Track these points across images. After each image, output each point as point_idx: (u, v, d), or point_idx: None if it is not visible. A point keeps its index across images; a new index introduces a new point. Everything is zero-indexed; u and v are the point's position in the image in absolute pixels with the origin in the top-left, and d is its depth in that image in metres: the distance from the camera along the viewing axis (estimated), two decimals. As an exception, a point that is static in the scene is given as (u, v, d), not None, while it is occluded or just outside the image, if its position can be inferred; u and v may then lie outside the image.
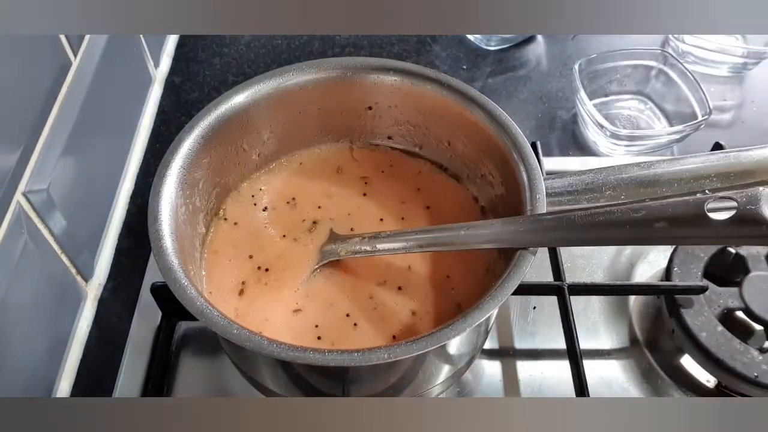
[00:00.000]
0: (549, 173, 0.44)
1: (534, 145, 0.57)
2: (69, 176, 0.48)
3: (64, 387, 0.47)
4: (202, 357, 0.50)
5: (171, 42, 0.73)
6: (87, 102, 0.50)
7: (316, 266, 0.44)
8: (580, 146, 0.65)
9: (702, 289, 0.49)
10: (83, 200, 0.51)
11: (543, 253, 0.53)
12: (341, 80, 0.46)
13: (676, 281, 0.50)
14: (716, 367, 0.47)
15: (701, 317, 0.48)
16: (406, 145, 0.50)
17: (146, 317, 0.51)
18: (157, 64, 0.69)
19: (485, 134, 0.44)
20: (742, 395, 0.47)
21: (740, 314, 0.49)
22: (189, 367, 0.49)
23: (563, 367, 0.48)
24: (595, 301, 0.53)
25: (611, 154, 0.64)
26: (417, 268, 0.44)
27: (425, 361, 0.39)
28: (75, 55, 0.49)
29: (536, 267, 0.52)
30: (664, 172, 0.40)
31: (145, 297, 0.51)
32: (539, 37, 0.75)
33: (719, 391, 0.49)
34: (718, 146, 0.59)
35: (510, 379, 0.49)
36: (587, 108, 0.62)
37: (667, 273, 0.51)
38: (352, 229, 0.46)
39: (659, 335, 0.52)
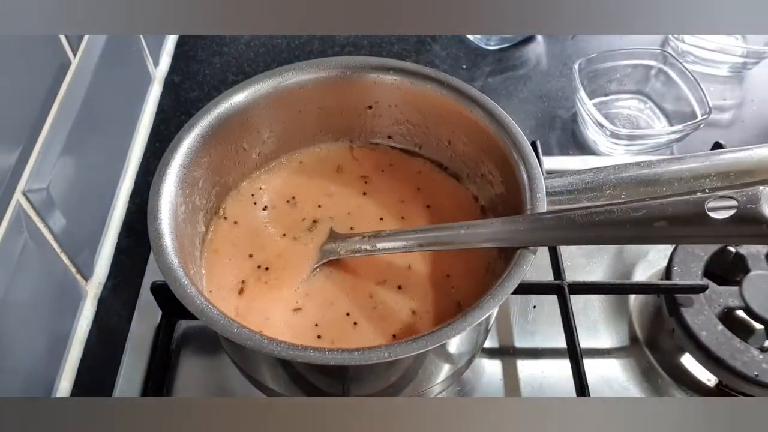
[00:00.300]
0: (549, 172, 0.44)
1: (534, 145, 0.57)
2: (69, 175, 0.48)
3: (64, 386, 0.47)
4: (203, 356, 0.50)
5: (171, 41, 0.73)
6: (86, 101, 0.50)
7: (316, 265, 0.44)
8: (579, 145, 0.65)
9: (702, 288, 0.49)
10: (83, 199, 0.51)
11: (543, 252, 0.53)
12: (341, 79, 0.46)
13: (677, 280, 0.50)
14: (716, 366, 0.47)
15: (701, 316, 0.48)
16: (406, 145, 0.50)
17: (146, 316, 0.51)
18: (156, 63, 0.69)
19: (485, 133, 0.44)
20: (743, 394, 0.47)
21: (740, 313, 0.49)
22: (189, 366, 0.49)
23: (563, 366, 0.48)
24: (596, 300, 0.53)
25: (611, 154, 0.64)
26: (417, 267, 0.44)
27: (425, 360, 0.39)
28: (74, 55, 0.49)
29: (536, 266, 0.52)
30: (664, 171, 0.40)
31: (145, 296, 0.51)
32: (539, 37, 0.75)
33: (720, 390, 0.49)
34: (718, 146, 0.59)
35: (510, 378, 0.49)
36: (587, 107, 0.62)
37: (668, 272, 0.51)
38: (352, 228, 0.46)
39: (659, 334, 0.52)
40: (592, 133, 0.65)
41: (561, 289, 0.50)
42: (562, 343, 0.48)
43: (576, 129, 0.67)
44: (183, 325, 0.51)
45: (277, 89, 0.45)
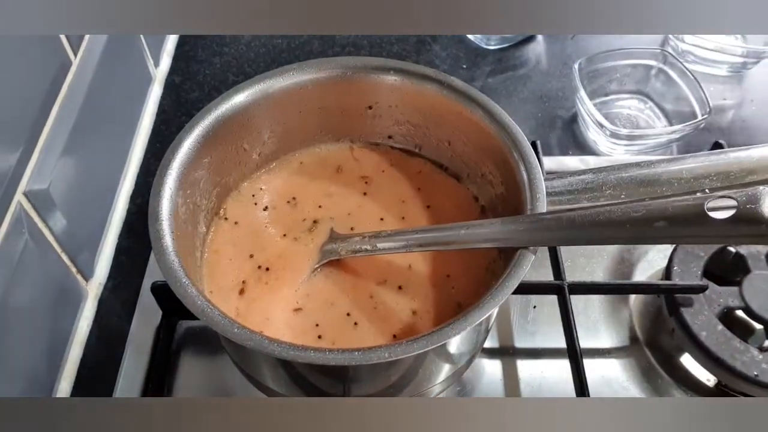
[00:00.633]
0: (549, 172, 0.44)
1: (534, 145, 0.57)
2: (69, 176, 0.48)
3: (64, 387, 0.47)
4: (203, 356, 0.50)
5: (171, 41, 0.73)
6: (87, 101, 0.50)
7: (317, 265, 0.44)
8: (579, 145, 0.65)
9: (702, 288, 0.49)
10: (84, 200, 0.51)
11: (543, 253, 0.53)
12: (341, 80, 0.46)
13: (676, 280, 0.50)
14: (716, 366, 0.47)
15: (701, 316, 0.49)
16: (406, 145, 0.50)
17: (147, 317, 0.51)
18: (157, 64, 0.69)
19: (485, 134, 0.44)
20: (743, 394, 0.47)
21: (740, 313, 0.49)
22: (189, 366, 0.49)
23: (563, 366, 0.48)
24: (596, 300, 0.53)
25: (611, 154, 0.64)
26: (417, 268, 0.44)
27: (425, 360, 0.39)
28: (75, 55, 0.49)
29: (536, 266, 0.52)
30: (664, 171, 0.40)
31: (146, 296, 0.51)
32: (539, 37, 0.75)
33: (719, 390, 0.49)
34: (717, 145, 0.59)
35: (510, 378, 0.49)
36: (587, 107, 0.62)
37: (667, 272, 0.52)
38: (352, 229, 0.46)
39: (659, 334, 0.52)
40: (592, 133, 0.65)
41: (561, 289, 0.50)
42: (562, 343, 0.48)
43: (576, 129, 0.67)
44: (183, 325, 0.51)
45: (277, 90, 0.45)
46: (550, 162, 0.61)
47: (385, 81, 0.46)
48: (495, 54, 0.73)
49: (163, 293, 0.48)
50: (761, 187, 0.30)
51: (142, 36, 0.63)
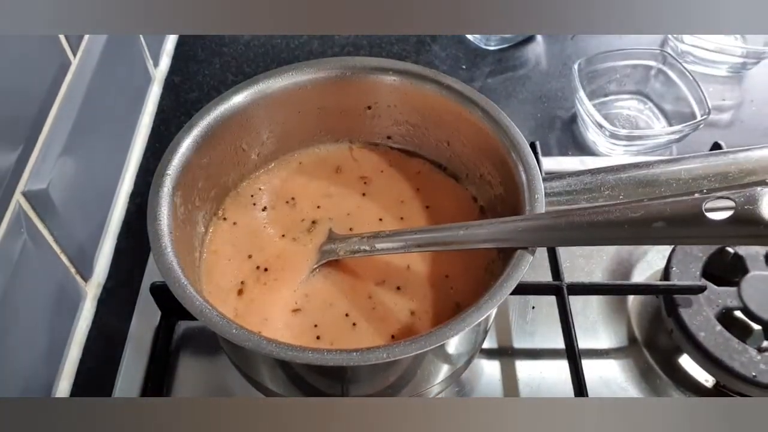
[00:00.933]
0: (548, 173, 0.45)
1: (533, 145, 0.57)
2: (68, 176, 0.48)
3: (63, 387, 0.47)
4: (202, 357, 0.50)
5: (170, 41, 0.73)
6: (86, 101, 0.50)
7: (315, 266, 0.44)
8: (579, 146, 0.65)
9: (700, 289, 0.49)
10: (83, 200, 0.51)
11: (542, 253, 0.53)
12: (340, 80, 0.46)
13: (675, 281, 0.50)
14: (715, 366, 0.47)
15: (700, 317, 0.49)
16: (405, 145, 0.50)
17: (145, 317, 0.51)
18: (156, 64, 0.69)
19: (484, 134, 0.44)
20: (741, 395, 0.47)
21: (739, 314, 0.49)
22: (188, 366, 0.49)
23: (562, 366, 0.48)
24: (594, 300, 0.53)
25: (610, 154, 0.64)
26: (416, 268, 0.44)
27: (424, 360, 0.39)
28: (74, 55, 0.49)
29: (535, 267, 0.53)
30: (663, 172, 0.40)
31: (145, 296, 0.51)
32: (539, 37, 0.75)
33: (718, 390, 0.49)
34: (717, 146, 0.59)
35: (509, 379, 0.49)
36: (586, 108, 0.62)
37: (666, 273, 0.52)
38: (351, 229, 0.46)
39: (658, 335, 0.52)
40: (591, 134, 0.65)
41: (560, 290, 0.50)
42: (560, 344, 0.48)
43: (575, 129, 0.67)
44: (182, 325, 0.51)
45: (276, 90, 0.45)
46: (550, 162, 0.61)
47: (385, 81, 0.46)
48: (494, 54, 0.73)
49: (162, 293, 0.48)
50: (759, 188, 0.30)
51: (141, 36, 0.63)
